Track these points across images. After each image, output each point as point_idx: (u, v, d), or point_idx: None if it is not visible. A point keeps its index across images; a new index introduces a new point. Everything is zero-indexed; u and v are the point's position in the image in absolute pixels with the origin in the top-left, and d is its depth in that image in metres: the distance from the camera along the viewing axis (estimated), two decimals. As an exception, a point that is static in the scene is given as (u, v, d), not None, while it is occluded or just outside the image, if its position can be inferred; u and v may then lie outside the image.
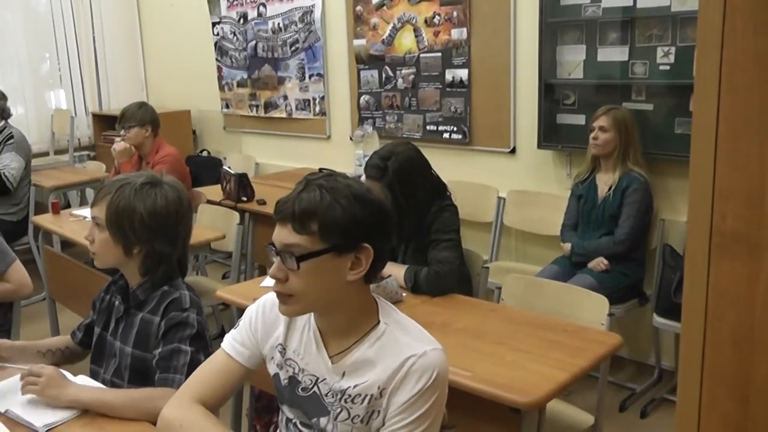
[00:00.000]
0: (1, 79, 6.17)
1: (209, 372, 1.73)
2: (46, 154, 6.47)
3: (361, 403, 1.58)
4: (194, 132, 6.47)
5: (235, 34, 5.87)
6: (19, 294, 3.02)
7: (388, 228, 1.60)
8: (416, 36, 4.60)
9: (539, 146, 4.06)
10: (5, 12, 6.13)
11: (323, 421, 1.64)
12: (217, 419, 1.67)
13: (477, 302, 2.75)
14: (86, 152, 6.63)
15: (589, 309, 2.56)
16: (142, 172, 2.19)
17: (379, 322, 1.62)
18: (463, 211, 3.05)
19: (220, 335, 4.18)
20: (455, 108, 4.47)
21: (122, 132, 4.40)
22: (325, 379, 1.63)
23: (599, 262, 3.48)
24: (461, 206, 3.03)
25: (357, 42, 4.98)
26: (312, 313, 1.66)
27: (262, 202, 4.34)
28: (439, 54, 4.49)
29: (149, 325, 2.01)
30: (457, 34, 4.38)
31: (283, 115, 5.68)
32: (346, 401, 1.60)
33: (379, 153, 2.93)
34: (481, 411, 2.03)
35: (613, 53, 3.72)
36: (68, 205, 5.76)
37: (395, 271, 2.73)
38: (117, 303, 2.12)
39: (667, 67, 3.53)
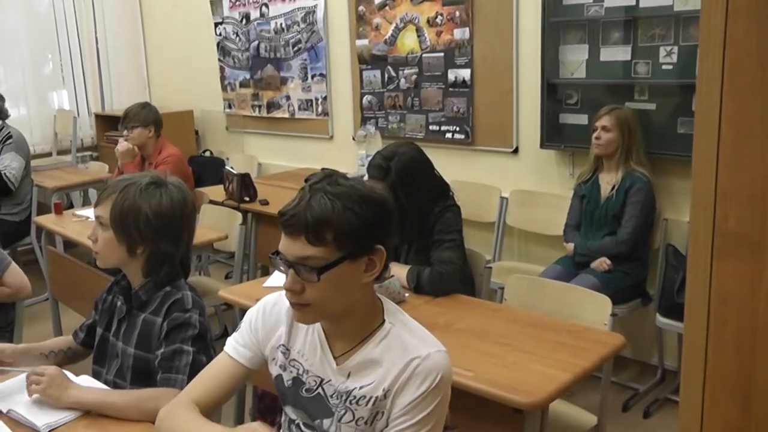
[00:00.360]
0: (4, 79, 6.19)
1: (212, 373, 1.73)
2: (49, 154, 6.48)
3: (366, 405, 1.58)
4: (197, 132, 6.48)
5: (237, 35, 5.87)
6: (17, 297, 3.02)
7: (394, 224, 1.59)
8: (419, 36, 4.60)
9: (542, 146, 4.06)
10: (8, 13, 6.13)
11: (326, 422, 1.63)
12: (208, 421, 1.66)
13: (480, 302, 2.75)
14: (89, 153, 6.64)
15: (592, 309, 2.56)
16: (147, 172, 2.19)
17: (384, 321, 1.62)
18: (465, 211, 3.04)
19: (223, 335, 4.19)
20: (458, 108, 4.47)
21: (125, 132, 4.40)
22: (330, 380, 1.63)
23: (602, 262, 3.48)
24: (464, 206, 3.03)
25: (359, 42, 4.98)
26: None
27: (265, 203, 4.34)
28: (442, 54, 4.49)
29: (151, 325, 2.01)
30: (460, 34, 4.37)
31: (286, 115, 5.68)
32: (351, 403, 1.60)
33: (382, 153, 2.93)
34: (484, 411, 2.03)
35: (615, 53, 3.71)
36: (71, 206, 5.77)
37: (398, 271, 2.73)
38: (119, 304, 2.12)
39: (670, 67, 3.53)
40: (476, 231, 4.25)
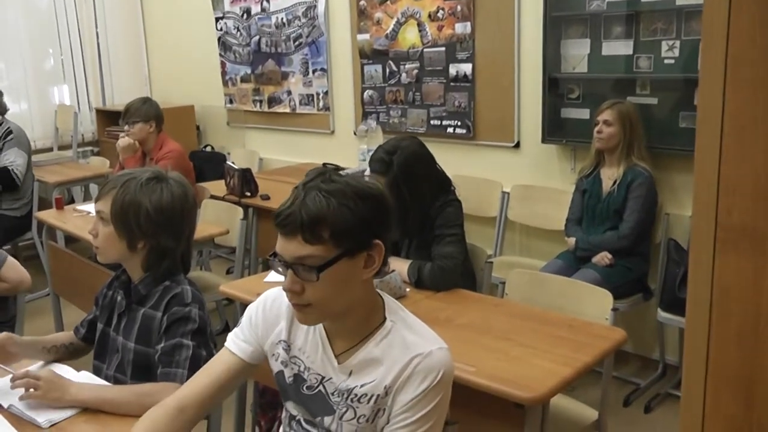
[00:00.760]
0: (5, 75, 6.19)
1: (213, 369, 1.72)
2: (50, 149, 6.47)
3: (368, 403, 1.58)
4: (198, 127, 6.47)
5: (238, 29, 5.86)
6: (17, 290, 3.02)
7: (391, 218, 1.59)
8: (420, 30, 4.59)
9: (543, 141, 4.05)
10: (8, 8, 6.12)
11: (327, 420, 1.63)
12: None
13: (481, 297, 2.74)
14: (90, 148, 6.64)
15: (593, 304, 2.55)
16: (147, 167, 2.18)
17: (385, 319, 1.61)
18: (467, 206, 3.04)
19: (224, 331, 4.19)
20: (459, 102, 4.46)
21: (126, 127, 4.39)
22: (331, 378, 1.63)
23: (603, 257, 3.48)
24: (465, 201, 3.02)
25: (360, 37, 4.97)
26: None
27: (266, 197, 4.33)
28: (443, 48, 4.48)
29: (151, 320, 2.01)
30: (461, 28, 4.36)
31: (287, 110, 5.67)
32: (352, 401, 1.59)
33: (384, 147, 2.92)
34: (485, 406, 2.03)
35: (617, 47, 3.70)
36: (72, 201, 5.76)
37: (399, 266, 2.73)
38: (119, 298, 2.11)
39: (672, 61, 3.52)
40: (477, 226, 4.24)
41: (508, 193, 4.24)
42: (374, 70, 4.93)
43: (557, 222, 3.86)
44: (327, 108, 5.38)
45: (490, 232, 4.30)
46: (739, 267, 1.14)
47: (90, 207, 3.95)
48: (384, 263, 1.57)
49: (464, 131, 4.47)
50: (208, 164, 5.64)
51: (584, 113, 3.88)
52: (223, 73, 6.12)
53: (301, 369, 1.67)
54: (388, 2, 4.74)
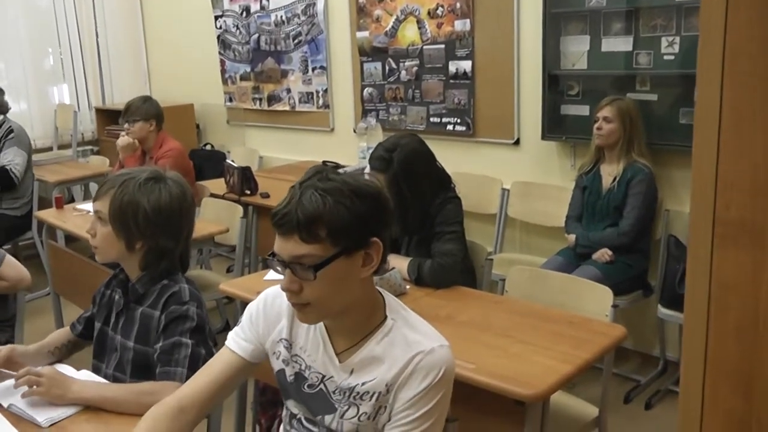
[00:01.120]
0: (5, 74, 6.18)
1: (213, 367, 1.72)
2: (50, 149, 6.47)
3: (370, 400, 1.57)
4: (198, 126, 6.47)
5: (237, 27, 5.86)
6: (17, 288, 3.01)
7: (389, 216, 1.58)
8: (419, 28, 4.58)
9: (543, 137, 4.05)
10: (8, 8, 6.12)
11: (328, 418, 1.63)
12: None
13: (481, 294, 2.74)
14: (89, 147, 6.64)
15: (594, 300, 2.55)
16: (146, 167, 2.18)
17: (386, 318, 1.61)
18: (467, 203, 3.03)
19: (225, 329, 4.19)
20: (459, 100, 4.46)
21: (126, 126, 4.38)
22: (332, 377, 1.62)
23: (604, 253, 3.47)
24: (465, 198, 3.02)
25: (360, 34, 4.96)
26: None
27: (266, 195, 4.33)
28: (443, 46, 4.48)
29: (150, 319, 2.01)
30: (461, 25, 4.36)
31: (287, 108, 5.67)
32: (354, 398, 1.59)
33: (384, 145, 2.92)
34: (485, 403, 2.02)
35: (617, 43, 3.70)
36: (72, 200, 5.76)
37: (399, 264, 2.73)
38: (117, 297, 2.11)
39: (672, 57, 3.51)
40: (477, 223, 4.24)
41: (508, 190, 4.23)
42: (374, 67, 4.92)
43: (557, 219, 3.86)
44: (327, 106, 5.38)
45: (490, 229, 4.30)
46: (738, 262, 1.14)
47: (90, 206, 3.95)
48: (383, 261, 1.57)
49: (464, 128, 4.46)
50: (208, 162, 5.64)
51: (584, 110, 3.88)
52: (223, 72, 6.12)
53: (303, 367, 1.66)
54: (387, 0, 4.73)
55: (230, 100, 6.15)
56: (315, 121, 5.49)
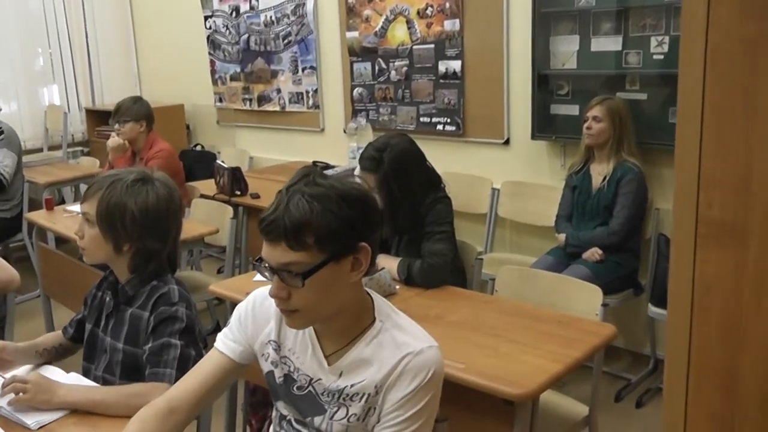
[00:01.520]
0: (-5, 75, 6.16)
1: (202, 369, 1.71)
2: (40, 150, 6.45)
3: (359, 402, 1.57)
4: (188, 126, 6.46)
5: (227, 28, 5.85)
6: (7, 289, 2.99)
7: (377, 219, 1.58)
8: (409, 28, 4.58)
9: (533, 137, 4.05)
10: (-3, 8, 6.11)
11: (318, 420, 1.63)
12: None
13: (471, 294, 2.74)
14: (80, 148, 6.61)
15: (584, 299, 2.56)
16: (134, 168, 2.17)
17: (374, 320, 1.60)
18: (457, 203, 3.04)
19: (215, 330, 4.18)
20: (449, 100, 4.46)
21: (116, 127, 4.36)
22: (320, 379, 1.62)
23: (594, 253, 3.48)
24: (455, 198, 3.02)
25: (350, 34, 4.96)
26: None
27: (256, 196, 4.33)
28: (432, 45, 4.48)
29: (139, 320, 2.01)
30: (450, 25, 4.36)
31: (277, 108, 5.66)
32: (344, 400, 1.59)
33: (374, 144, 2.92)
34: (475, 403, 2.03)
35: (606, 43, 3.71)
36: (62, 201, 5.74)
37: (389, 264, 2.73)
38: (107, 299, 2.11)
39: (661, 57, 3.52)
40: (467, 222, 4.25)
41: (498, 190, 4.24)
42: (363, 67, 4.92)
43: (547, 218, 3.86)
44: (317, 106, 5.37)
45: (480, 229, 4.30)
46: (721, 260, 1.14)
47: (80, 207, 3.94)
48: (371, 264, 1.56)
49: (454, 128, 4.47)
50: (198, 163, 5.63)
51: (574, 109, 3.88)
52: (213, 72, 6.11)
53: (291, 369, 1.66)
54: (377, 0, 4.73)
55: (220, 100, 6.14)
56: (305, 121, 5.48)
